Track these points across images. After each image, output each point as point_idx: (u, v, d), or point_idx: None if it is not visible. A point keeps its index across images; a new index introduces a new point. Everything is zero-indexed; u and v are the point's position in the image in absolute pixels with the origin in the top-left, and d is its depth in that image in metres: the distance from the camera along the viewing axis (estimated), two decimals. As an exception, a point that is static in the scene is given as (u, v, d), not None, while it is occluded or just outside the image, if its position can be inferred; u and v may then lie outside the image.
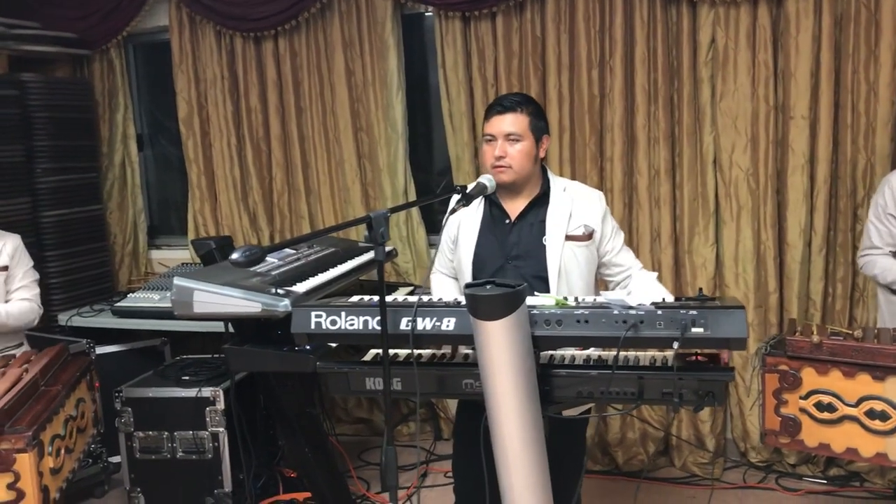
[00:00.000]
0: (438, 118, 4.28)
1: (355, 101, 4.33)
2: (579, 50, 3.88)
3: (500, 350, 1.97)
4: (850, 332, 2.62)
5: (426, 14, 4.35)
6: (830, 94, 3.59)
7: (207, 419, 3.45)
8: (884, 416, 2.44)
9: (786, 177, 3.72)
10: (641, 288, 2.56)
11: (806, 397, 2.55)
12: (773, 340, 2.72)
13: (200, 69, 4.57)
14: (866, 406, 2.47)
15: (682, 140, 3.83)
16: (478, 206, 2.73)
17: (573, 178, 3.93)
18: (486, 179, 2.55)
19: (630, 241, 3.90)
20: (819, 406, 2.53)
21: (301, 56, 4.38)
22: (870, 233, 3.14)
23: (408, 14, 4.31)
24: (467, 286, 2.02)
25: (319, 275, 3.01)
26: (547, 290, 2.61)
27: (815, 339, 2.53)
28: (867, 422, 2.47)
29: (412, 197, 4.33)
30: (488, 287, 1.99)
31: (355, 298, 2.34)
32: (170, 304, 2.79)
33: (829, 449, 2.55)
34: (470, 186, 2.49)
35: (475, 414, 2.34)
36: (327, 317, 2.21)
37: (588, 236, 2.68)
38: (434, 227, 4.42)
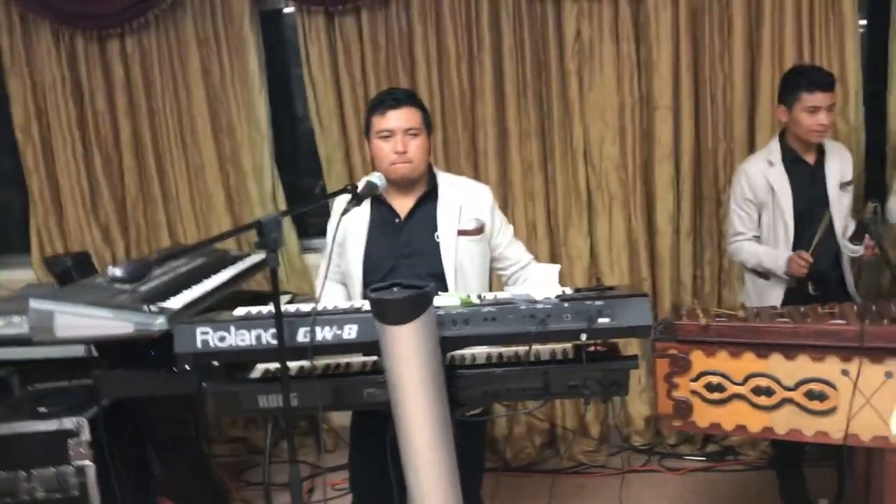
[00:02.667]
0: (305, 118, 4.11)
1: (213, 101, 4.09)
2: (447, 44, 3.83)
3: (410, 355, 1.88)
4: (734, 312, 2.71)
5: (286, 11, 4.17)
6: (690, 84, 3.72)
7: (71, 453, 3.13)
8: (769, 392, 2.53)
9: (653, 166, 3.83)
10: (539, 281, 2.53)
11: (696, 379, 2.61)
12: (661, 326, 2.77)
13: (37, 72, 4.17)
14: (753, 384, 2.55)
15: (552, 133, 3.87)
16: (364, 207, 2.61)
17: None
18: (377, 178, 2.44)
19: (508, 236, 3.90)
20: (709, 387, 2.59)
21: (152, 55, 4.08)
22: (733, 220, 3.27)
23: (267, 10, 4.11)
24: (372, 290, 1.91)
25: (194, 287, 2.79)
26: (444, 288, 2.54)
27: (703, 321, 2.60)
28: (754, 398, 2.55)
29: (281, 201, 4.14)
30: (394, 290, 1.89)
31: (241, 311, 2.17)
32: (14, 331, 2.52)
33: (720, 428, 2.62)
34: (359, 185, 2.38)
35: (375, 424, 2.23)
36: (215, 333, 2.03)
37: (479, 230, 2.64)
38: (305, 231, 4.25)
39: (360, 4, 3.84)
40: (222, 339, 2.02)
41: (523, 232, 3.93)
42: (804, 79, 3.04)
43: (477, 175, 3.92)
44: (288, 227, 4.17)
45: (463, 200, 2.65)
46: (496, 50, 3.82)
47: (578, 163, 3.87)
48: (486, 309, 2.01)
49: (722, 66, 3.68)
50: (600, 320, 1.99)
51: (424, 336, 1.88)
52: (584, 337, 2.00)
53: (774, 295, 3.21)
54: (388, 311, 1.84)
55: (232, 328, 2.02)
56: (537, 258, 3.86)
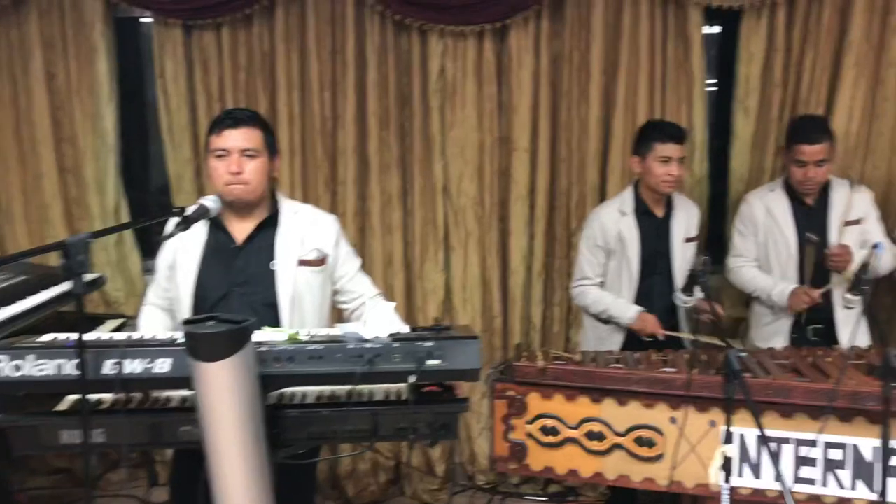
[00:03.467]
0: (157, 132, 3.91)
1: (57, 109, 3.83)
2: (310, 69, 3.75)
3: (224, 394, 1.76)
4: (572, 356, 2.73)
5: (144, 20, 3.98)
6: (549, 128, 3.79)
7: None
8: (601, 437, 2.56)
9: (509, 205, 3.86)
10: (376, 318, 2.47)
11: (532, 422, 2.61)
12: (502, 367, 2.76)
13: None
14: (586, 428, 2.57)
15: (413, 167, 3.84)
16: (199, 229, 2.48)
17: (305, 201, 3.78)
18: (210, 201, 2.32)
19: (363, 267, 3.82)
20: (544, 430, 2.60)
21: (-11, 54, 3.79)
22: (581, 263, 3.33)
23: (122, 17, 3.91)
24: (185, 322, 1.78)
25: (4, 308, 2.55)
26: (278, 318, 2.43)
27: (541, 364, 2.61)
28: (586, 443, 2.58)
29: (124, 217, 3.92)
30: (209, 323, 1.78)
31: (48, 337, 2.00)
32: None
33: (553, 472, 2.62)
34: (190, 209, 2.25)
35: (195, 463, 2.09)
36: (11, 361, 1.85)
37: (321, 261, 2.56)
38: (150, 251, 4.03)
39: (220, 21, 3.70)
40: (17, 368, 1.84)
41: (379, 264, 3.87)
42: (658, 131, 3.15)
43: (334, 204, 3.84)
44: (130, 246, 3.95)
45: (306, 229, 2.56)
46: (360, 80, 3.77)
47: (437, 198, 3.86)
48: (312, 346, 1.93)
49: (579, 113, 3.77)
50: (430, 362, 1.95)
51: (241, 374, 1.77)
52: (412, 379, 1.94)
53: (613, 341, 3.28)
54: (201, 347, 1.72)
55: (30, 356, 1.85)
56: (392, 291, 3.87)
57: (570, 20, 3.70)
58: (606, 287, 3.31)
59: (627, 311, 3.18)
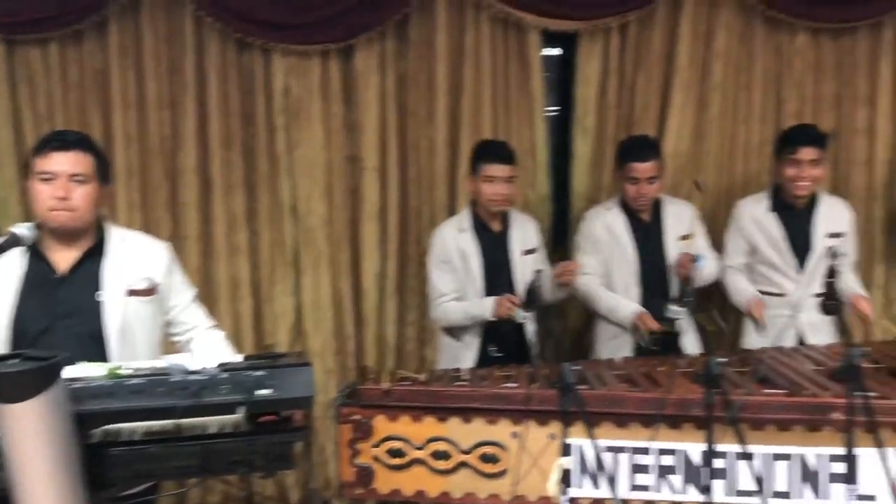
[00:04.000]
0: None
1: None
2: (147, 88, 3.61)
3: (31, 437, 1.64)
4: (417, 376, 2.73)
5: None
6: (397, 147, 3.80)
7: None
8: (446, 456, 2.56)
9: (360, 225, 3.84)
10: (204, 348, 2.38)
11: (378, 445, 2.58)
12: (347, 390, 2.72)
13: None
14: (432, 448, 2.57)
15: (259, 187, 3.76)
16: (16, 259, 2.32)
17: (145, 224, 3.64)
18: (23, 228, 2.18)
19: (208, 292, 3.70)
20: (390, 452, 2.58)
21: None
22: (435, 281, 3.35)
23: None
24: (-14, 362, 1.65)
25: None
26: (105, 352, 2.30)
27: (385, 385, 2.59)
28: (433, 463, 2.57)
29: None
30: (13, 361, 1.65)
31: None
32: None
33: (400, 494, 2.60)
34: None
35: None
36: None
37: (152, 291, 2.44)
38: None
39: (47, 36, 3.50)
40: None
41: (226, 288, 3.75)
42: (485, 151, 3.23)
43: (176, 227, 3.70)
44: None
45: (135, 257, 2.45)
46: (201, 98, 3.66)
47: (285, 218, 3.79)
48: (133, 381, 1.83)
49: (427, 132, 3.81)
50: (260, 391, 1.89)
51: (49, 414, 1.65)
52: (241, 410, 1.88)
53: (468, 356, 3.31)
54: (2, 387, 1.60)
55: None
56: (239, 317, 3.76)
57: (415, 41, 3.74)
58: None
59: (484, 303, 3.22)
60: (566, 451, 2.22)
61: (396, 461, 2.58)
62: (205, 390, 1.85)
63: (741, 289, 3.46)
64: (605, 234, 3.42)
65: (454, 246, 3.27)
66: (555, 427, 2.51)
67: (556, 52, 4.13)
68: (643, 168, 3.28)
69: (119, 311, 2.36)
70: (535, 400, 2.50)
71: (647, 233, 3.41)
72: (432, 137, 3.81)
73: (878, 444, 2.14)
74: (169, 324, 2.53)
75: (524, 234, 3.37)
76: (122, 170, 3.60)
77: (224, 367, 1.93)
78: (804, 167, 3.28)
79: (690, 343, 3.37)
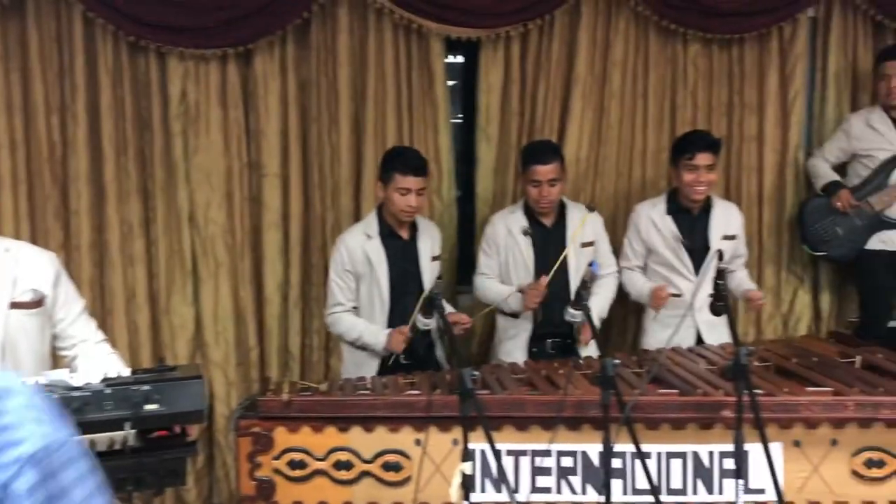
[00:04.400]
0: None
1: None
2: (34, 92, 3.45)
3: None
4: (318, 386, 2.70)
5: None
6: (299, 153, 3.75)
7: None
8: (349, 466, 2.54)
9: (262, 233, 3.77)
10: (90, 363, 2.28)
11: (279, 457, 2.54)
12: (246, 402, 2.67)
13: None
14: (334, 458, 2.54)
15: (155, 194, 3.64)
16: None
17: (34, 234, 3.49)
18: None
19: (101, 303, 3.57)
20: (291, 464, 2.54)
21: None
22: (333, 290, 3.31)
23: None
24: None
25: None
26: (-15, 370, 2.18)
27: (285, 397, 2.55)
28: (335, 473, 2.55)
29: None
30: None
31: None
32: None
33: (303, 505, 2.57)
34: None
35: None
36: None
37: (38, 303, 2.33)
38: None
39: (-78, 36, 3.32)
40: None
41: (121, 299, 3.62)
42: (399, 161, 3.21)
43: (68, 235, 3.55)
44: None
45: (20, 268, 2.32)
46: (93, 102, 3.52)
47: (183, 227, 3.68)
48: (8, 399, 1.73)
49: (330, 138, 3.76)
50: (148, 407, 1.82)
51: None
52: (128, 426, 1.81)
53: (371, 365, 3.28)
54: None
55: None
56: (136, 328, 3.63)
57: (316, 46, 3.69)
58: (360, 312, 3.31)
59: (378, 335, 3.19)
60: (468, 456, 2.22)
61: (297, 473, 2.55)
62: (87, 406, 1.77)
63: (640, 285, 3.54)
64: (506, 236, 3.46)
65: (360, 253, 3.24)
66: (457, 433, 2.51)
67: (461, 59, 4.16)
68: (544, 170, 3.33)
69: (0, 325, 2.24)
70: (436, 406, 2.50)
71: (549, 236, 3.47)
72: (336, 143, 3.77)
73: (763, 440, 2.23)
74: (56, 337, 2.41)
75: (432, 243, 3.37)
76: (6, 177, 3.44)
77: (109, 382, 1.86)
78: (700, 172, 3.39)
79: (591, 345, 3.45)
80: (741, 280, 3.58)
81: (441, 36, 3.75)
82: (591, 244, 3.48)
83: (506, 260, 3.47)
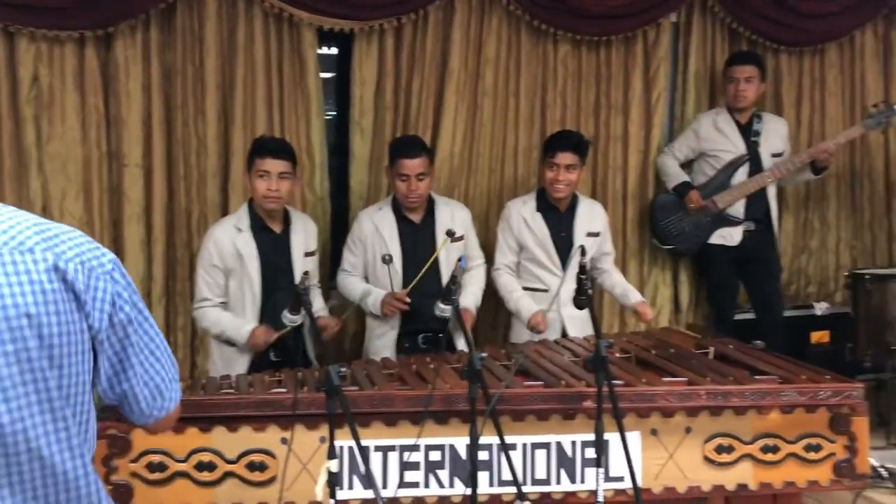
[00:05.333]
0: None
1: None
2: None
3: None
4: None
5: None
6: (163, 143, 3.60)
7: None
8: (211, 467, 2.46)
9: (122, 225, 3.60)
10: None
11: (136, 460, 2.43)
12: (103, 404, 2.53)
13: None
14: (195, 459, 2.45)
15: (4, 184, 3.42)
16: None
17: None
18: None
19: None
20: (150, 467, 2.43)
21: None
22: (199, 284, 3.21)
23: None
24: None
25: None
26: None
27: (143, 397, 2.43)
28: (196, 475, 2.46)
29: None
30: None
31: None
32: None
33: (163, 509, 2.47)
34: None
35: None
36: None
37: None
38: None
39: None
40: None
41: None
42: (257, 145, 3.15)
43: None
44: None
45: None
46: (-69, 83, 3.27)
47: (36, 218, 3.46)
48: None
49: (196, 128, 3.63)
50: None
51: None
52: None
53: (241, 362, 3.19)
54: None
55: None
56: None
57: (182, 32, 3.56)
58: (232, 307, 3.22)
59: (241, 330, 3.12)
60: (333, 453, 2.19)
61: (157, 476, 2.44)
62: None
63: (515, 298, 3.57)
64: (373, 233, 3.44)
65: (230, 247, 3.15)
66: (325, 430, 2.47)
67: (335, 51, 4.11)
68: (412, 164, 3.33)
69: None
70: (303, 404, 2.45)
71: (417, 232, 3.47)
72: (202, 134, 3.64)
73: (620, 430, 2.31)
74: None
75: (305, 238, 3.31)
76: None
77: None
78: (560, 171, 3.48)
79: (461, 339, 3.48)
80: (619, 283, 3.69)
81: (313, 26, 3.69)
82: (461, 238, 3.50)
83: (372, 257, 3.45)
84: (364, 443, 2.49)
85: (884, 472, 3.23)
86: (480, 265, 3.63)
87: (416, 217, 3.46)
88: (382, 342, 3.42)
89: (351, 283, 3.47)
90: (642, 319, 3.53)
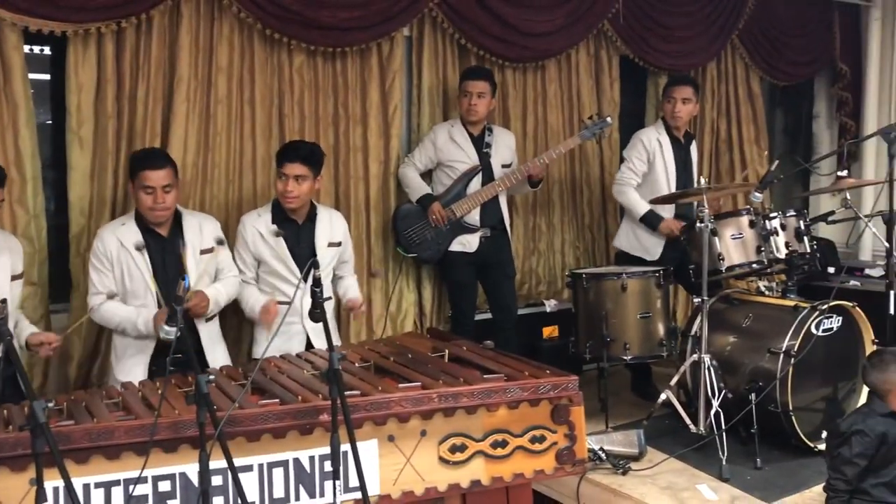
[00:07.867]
0: None
1: None
2: None
3: None
4: None
5: None
6: None
7: None
8: None
9: None
10: None
11: None
12: None
13: None
14: None
15: None
16: None
17: None
18: None
19: None
20: None
21: None
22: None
23: None
24: None
25: None
26: None
27: None
28: None
29: None
30: None
31: None
32: None
33: None
34: None
35: None
36: None
37: None
38: None
39: None
40: None
41: None
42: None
43: None
44: None
45: None
46: None
47: None
48: None
49: None
50: None
51: None
52: None
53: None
54: None
55: None
56: None
57: None
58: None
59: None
60: (42, 496, 1.99)
61: None
62: None
63: (252, 301, 3.52)
64: (118, 249, 3.26)
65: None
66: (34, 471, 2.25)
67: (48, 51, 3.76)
68: (157, 176, 3.20)
69: None
70: (8, 445, 2.22)
71: (165, 245, 3.32)
72: None
73: (352, 441, 2.32)
74: None
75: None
76: None
77: None
78: (289, 181, 3.47)
79: (220, 357, 3.41)
80: (348, 287, 3.73)
81: (18, 27, 3.35)
82: (210, 250, 3.39)
83: (121, 275, 3.27)
84: (84, 480, 2.32)
85: (602, 455, 3.51)
86: (234, 275, 3.52)
87: (162, 230, 3.30)
88: (134, 362, 3.29)
89: (115, 308, 3.28)
90: (353, 312, 3.68)
